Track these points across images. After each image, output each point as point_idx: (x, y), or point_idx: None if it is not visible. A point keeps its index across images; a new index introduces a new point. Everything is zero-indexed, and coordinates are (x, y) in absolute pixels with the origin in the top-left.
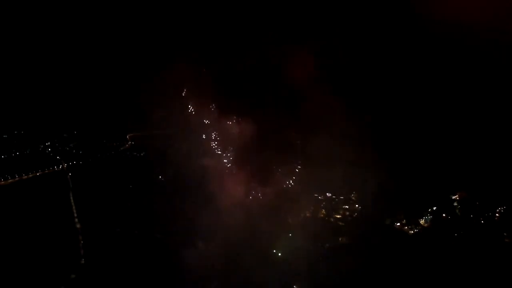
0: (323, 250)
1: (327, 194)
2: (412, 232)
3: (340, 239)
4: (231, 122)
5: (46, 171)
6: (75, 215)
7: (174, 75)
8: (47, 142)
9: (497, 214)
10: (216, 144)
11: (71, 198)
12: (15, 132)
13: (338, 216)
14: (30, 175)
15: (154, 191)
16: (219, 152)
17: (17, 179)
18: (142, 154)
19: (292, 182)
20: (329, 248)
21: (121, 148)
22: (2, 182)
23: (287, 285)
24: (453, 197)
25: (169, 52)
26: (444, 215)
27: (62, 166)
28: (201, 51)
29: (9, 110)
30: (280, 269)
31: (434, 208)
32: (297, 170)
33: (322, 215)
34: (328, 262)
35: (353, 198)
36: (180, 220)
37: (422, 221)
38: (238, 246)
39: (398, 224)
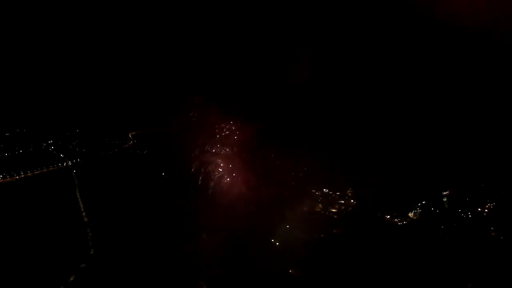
0: (319, 240)
1: (324, 190)
2: (401, 224)
3: (334, 230)
4: (232, 120)
5: (51, 168)
6: (82, 209)
7: (176, 73)
8: (50, 140)
9: (486, 210)
10: (217, 142)
11: (77, 194)
12: (17, 130)
13: (334, 210)
14: (36, 172)
15: (157, 188)
16: (220, 150)
17: (22, 176)
18: (144, 152)
19: (292, 178)
20: (324, 238)
21: (123, 146)
22: (8, 179)
23: (285, 271)
24: (444, 193)
25: (171, 52)
26: (433, 209)
27: (66, 164)
28: (201, 52)
29: (12, 109)
30: (278, 257)
31: (424, 202)
32: (296, 168)
33: (318, 209)
34: (324, 251)
35: (349, 193)
36: (183, 214)
37: (411, 214)
38: (239, 238)
39: (389, 217)
